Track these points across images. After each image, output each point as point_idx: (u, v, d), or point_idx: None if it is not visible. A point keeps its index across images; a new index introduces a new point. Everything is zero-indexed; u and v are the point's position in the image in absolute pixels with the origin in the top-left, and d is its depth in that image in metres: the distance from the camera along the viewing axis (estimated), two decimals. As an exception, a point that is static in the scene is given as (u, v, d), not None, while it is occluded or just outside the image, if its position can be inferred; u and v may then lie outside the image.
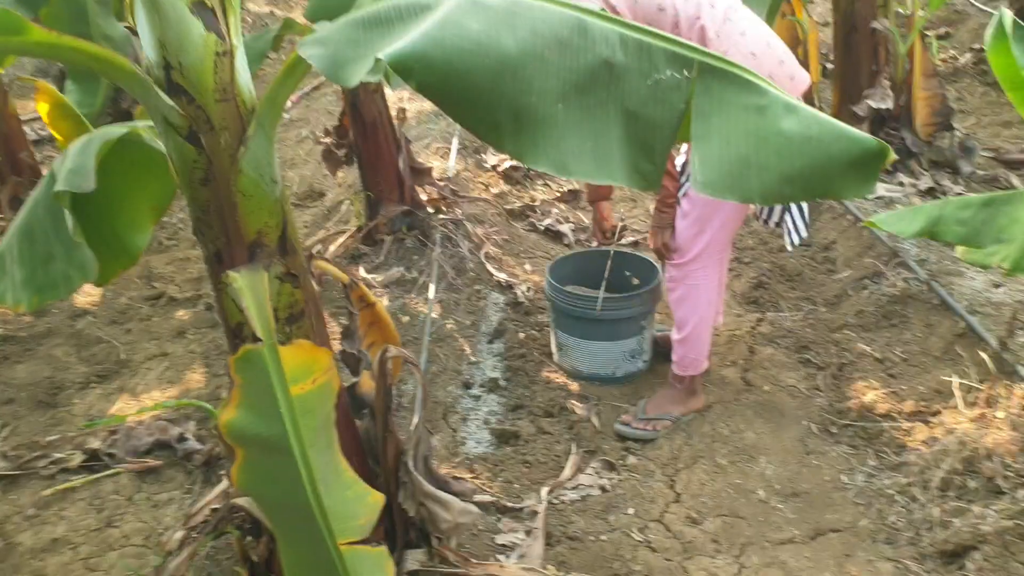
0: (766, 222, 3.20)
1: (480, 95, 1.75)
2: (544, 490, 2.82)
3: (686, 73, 1.85)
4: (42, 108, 4.08)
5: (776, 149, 1.81)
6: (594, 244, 4.33)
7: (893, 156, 1.83)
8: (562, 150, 1.81)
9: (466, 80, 1.73)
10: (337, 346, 2.42)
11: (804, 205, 3.08)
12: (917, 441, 2.87)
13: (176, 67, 1.83)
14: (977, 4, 6.88)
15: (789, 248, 3.06)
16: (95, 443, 3.29)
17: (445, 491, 2.33)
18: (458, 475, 2.90)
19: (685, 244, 2.97)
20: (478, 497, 2.77)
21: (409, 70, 1.68)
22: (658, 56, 1.85)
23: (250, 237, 1.99)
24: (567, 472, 2.92)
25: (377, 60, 1.66)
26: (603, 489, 2.88)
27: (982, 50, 6.02)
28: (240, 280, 1.93)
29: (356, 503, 2.06)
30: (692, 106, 1.85)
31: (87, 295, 4.45)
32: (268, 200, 1.99)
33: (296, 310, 2.07)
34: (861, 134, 1.82)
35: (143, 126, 2.24)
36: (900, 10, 4.69)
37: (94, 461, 3.25)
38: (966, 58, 6.01)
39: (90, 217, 2.51)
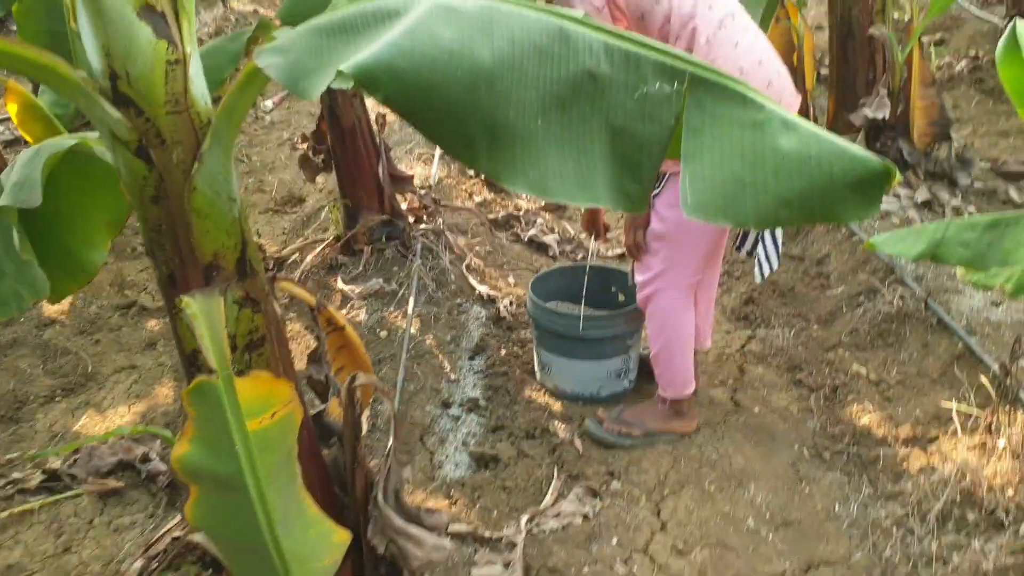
0: (738, 249, 3.04)
1: (452, 109, 1.61)
2: (523, 519, 2.68)
3: (676, 86, 1.72)
4: (11, 108, 3.93)
5: (773, 169, 1.68)
6: (579, 257, 4.20)
7: (899, 178, 1.70)
8: (541, 169, 1.68)
9: (437, 93, 1.60)
10: (305, 369, 2.28)
11: (779, 235, 2.93)
12: (914, 469, 2.75)
13: (123, 76, 1.69)
14: (973, 10, 6.78)
15: (758, 280, 2.91)
16: (56, 462, 3.15)
17: (417, 525, 2.19)
18: (434, 502, 2.77)
19: (648, 258, 2.82)
20: (454, 527, 2.63)
21: (374, 82, 1.55)
22: (646, 67, 1.72)
23: (205, 259, 1.85)
24: (548, 499, 2.78)
25: (339, 72, 1.53)
26: (585, 517, 2.74)
27: (978, 57, 5.93)
28: (194, 305, 1.79)
29: (319, 543, 1.92)
30: (683, 122, 1.73)
31: (56, 304, 4.30)
32: (225, 219, 1.85)
33: (256, 337, 1.93)
34: (865, 153, 1.69)
35: (94, 137, 2.10)
36: (897, 16, 4.58)
37: (54, 481, 3.11)
38: (962, 65, 5.91)
39: (41, 233, 2.37)
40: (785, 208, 1.69)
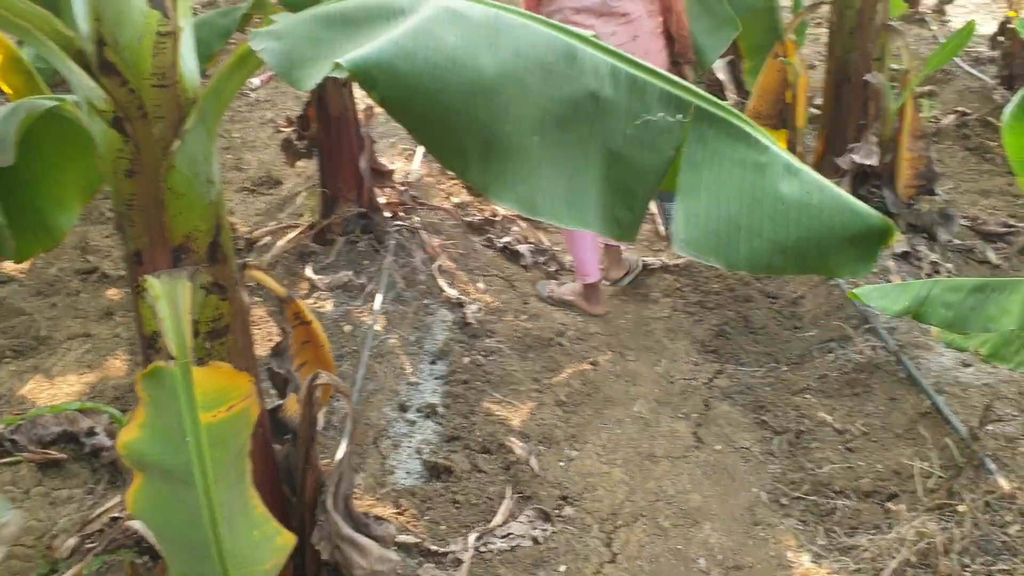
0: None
1: (448, 116, 1.56)
2: (472, 537, 2.63)
3: (680, 117, 1.68)
4: (-11, 64, 3.82)
5: (771, 214, 1.64)
6: (553, 270, 4.22)
7: (898, 236, 1.67)
8: (532, 186, 1.63)
9: (434, 98, 1.54)
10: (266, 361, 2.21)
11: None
12: (871, 525, 2.72)
13: (110, 43, 1.62)
14: (964, 66, 6.82)
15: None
16: (-5, 430, 3.05)
17: (364, 534, 2.13)
18: (382, 509, 2.70)
19: None
20: (401, 537, 2.57)
21: (372, 80, 1.49)
22: (651, 95, 1.67)
23: (176, 240, 1.78)
24: (498, 518, 2.73)
25: (336, 64, 1.47)
26: (535, 540, 2.68)
27: (966, 114, 5.96)
28: (159, 287, 1.71)
29: (263, 545, 1.85)
30: (682, 155, 1.68)
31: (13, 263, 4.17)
32: (201, 202, 1.78)
33: (220, 325, 1.86)
34: (865, 208, 1.66)
35: (73, 100, 2.02)
36: (896, 65, 4.58)
37: (-6, 447, 3.01)
38: (949, 120, 5.93)
39: (11, 191, 2.29)
40: (780, 255, 1.65)
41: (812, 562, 2.65)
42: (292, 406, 2.15)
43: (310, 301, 3.75)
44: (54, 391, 3.38)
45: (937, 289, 2.25)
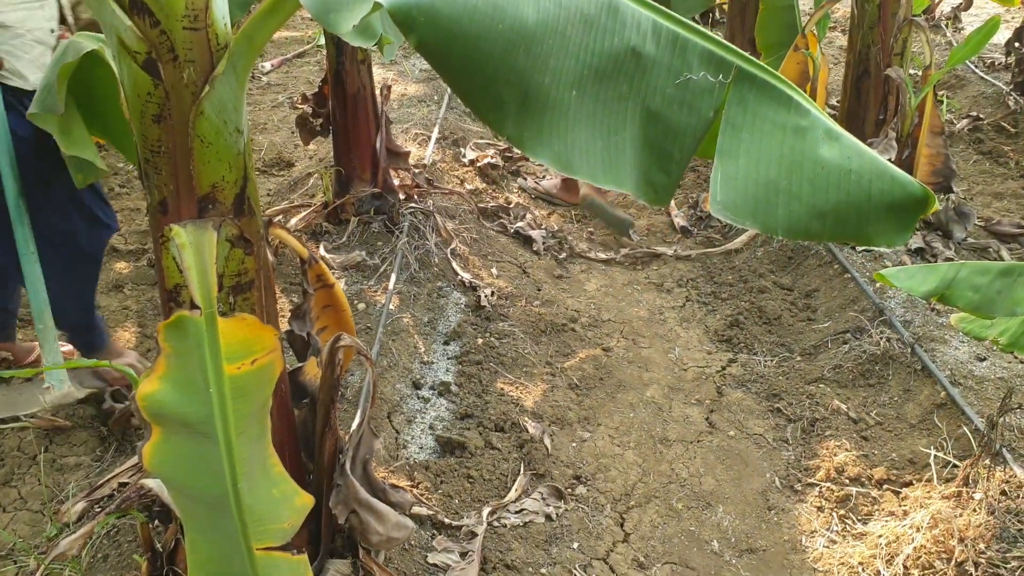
0: None
1: (487, 65, 1.52)
2: (485, 511, 2.60)
3: (721, 78, 1.65)
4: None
5: (811, 178, 1.62)
6: (562, 256, 4.21)
7: (937, 206, 1.64)
8: (568, 143, 1.60)
9: (474, 45, 1.51)
10: (285, 326, 2.18)
11: None
12: (885, 511, 2.70)
13: (143, -19, 1.59)
14: (977, 71, 6.81)
15: None
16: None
17: (381, 500, 2.10)
18: (396, 482, 2.67)
19: None
20: (415, 509, 2.54)
21: (411, 21, 1.46)
22: (693, 53, 1.65)
23: (203, 190, 1.75)
24: (512, 494, 2.70)
25: (376, 3, 1.44)
26: (548, 517, 2.66)
27: (980, 118, 5.94)
28: (184, 236, 1.69)
29: (281, 504, 1.82)
30: (722, 116, 1.66)
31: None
32: (229, 151, 1.75)
33: (245, 279, 1.83)
34: (905, 176, 1.63)
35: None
36: (915, 63, 4.56)
37: (0, 412, 2.98)
38: (962, 124, 5.91)
39: (67, 129, 2.39)
40: (818, 220, 1.62)
41: (826, 547, 2.62)
42: (312, 370, 2.13)
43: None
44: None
45: (964, 271, 2.22)
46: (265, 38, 1.75)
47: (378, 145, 4.02)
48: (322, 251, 3.85)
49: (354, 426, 2.08)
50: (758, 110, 1.66)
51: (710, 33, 1.65)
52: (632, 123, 1.65)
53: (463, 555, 2.42)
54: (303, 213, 4.17)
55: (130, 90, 1.69)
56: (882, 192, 1.63)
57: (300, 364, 2.13)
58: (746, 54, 1.68)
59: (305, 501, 1.87)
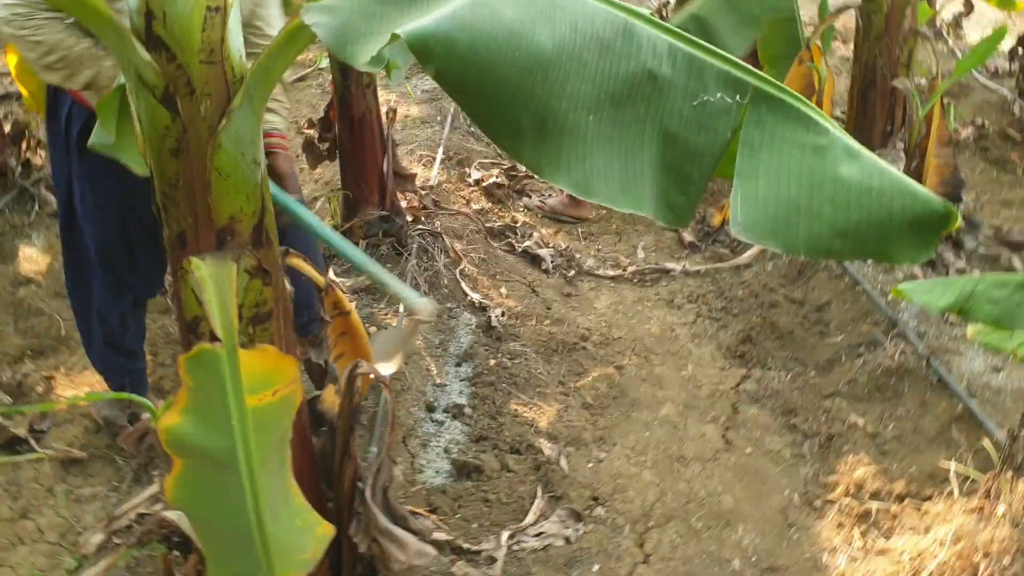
0: None
1: (504, 92, 1.53)
2: (504, 535, 2.58)
3: (738, 98, 1.65)
4: (10, 61, 3.81)
5: (831, 197, 1.61)
6: (571, 274, 4.19)
7: (959, 222, 1.64)
8: (587, 167, 1.60)
9: (492, 73, 1.51)
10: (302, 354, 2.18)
11: None
12: (907, 527, 2.68)
13: (159, 17, 1.59)
14: (981, 79, 6.81)
15: None
16: (20, 425, 3.01)
17: (402, 527, 2.09)
18: (414, 508, 2.65)
19: None
20: (434, 534, 2.53)
21: (429, 52, 1.46)
22: (709, 75, 1.65)
23: (221, 222, 1.75)
24: (530, 517, 2.69)
25: (394, 35, 1.44)
26: (567, 540, 2.65)
27: (984, 126, 5.93)
28: (204, 269, 1.69)
29: (304, 533, 1.82)
30: (740, 137, 1.65)
31: (33, 262, 4.15)
32: (247, 182, 1.75)
33: (264, 310, 1.83)
34: (926, 192, 1.63)
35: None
36: (922, 73, 4.56)
37: (17, 443, 2.97)
38: (968, 132, 5.91)
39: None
40: (839, 239, 1.62)
41: (848, 564, 2.61)
42: (329, 399, 2.12)
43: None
44: (75, 391, 3.33)
45: (983, 285, 2.21)
46: (281, 70, 1.76)
47: (385, 168, 4.02)
48: (331, 275, 3.84)
49: (372, 453, 2.08)
50: (776, 130, 1.66)
51: (726, 54, 1.65)
52: (650, 146, 1.65)
53: (484, 581, 2.41)
54: (312, 237, 4.16)
55: (147, 125, 1.70)
56: (903, 209, 1.62)
57: (318, 392, 2.12)
58: (762, 74, 1.67)
59: (326, 530, 1.86)
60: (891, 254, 1.65)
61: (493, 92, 1.52)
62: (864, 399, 3.29)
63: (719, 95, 1.65)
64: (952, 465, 2.80)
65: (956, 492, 2.71)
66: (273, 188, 2.43)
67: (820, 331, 3.80)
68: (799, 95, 1.67)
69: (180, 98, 1.66)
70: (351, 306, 2.12)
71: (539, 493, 2.80)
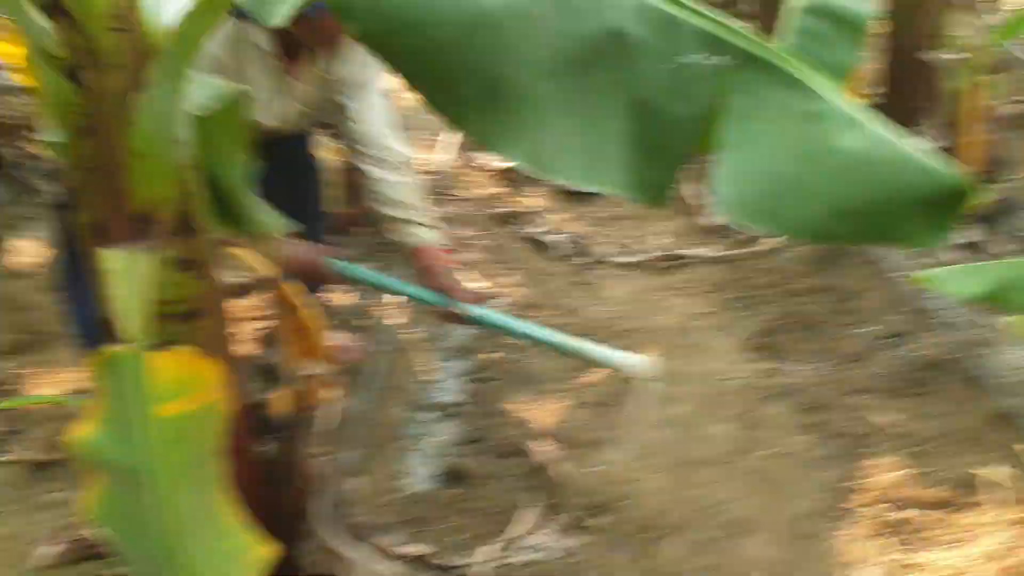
0: None
1: (443, 55, 1.31)
2: (485, 549, 2.38)
3: (720, 60, 1.42)
4: (8, 51, 3.65)
5: (830, 171, 1.37)
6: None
7: (978, 199, 1.39)
8: (542, 140, 1.37)
9: (427, 35, 1.30)
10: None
11: None
12: (944, 539, 2.43)
13: (59, -20, 1.40)
14: (1019, 54, 6.45)
15: None
16: (-1, 425, 2.88)
17: (358, 547, 1.89)
18: (390, 517, 2.46)
19: None
20: (408, 548, 2.33)
21: (350, 8, 1.25)
22: (687, 34, 1.41)
23: (139, 209, 1.56)
24: (520, 528, 2.47)
25: (309, -11, 1.23)
26: (564, 553, 2.43)
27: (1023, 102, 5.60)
28: (115, 261, 1.49)
29: (232, 560, 1.61)
30: (724, 105, 1.42)
31: (27, 256, 4.03)
32: (166, 165, 1.56)
33: (193, 306, 1.63)
34: (940, 165, 1.38)
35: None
36: (959, 48, 4.27)
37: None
38: (1006, 108, 5.58)
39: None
40: (839, 220, 1.38)
41: (876, 580, 2.36)
42: (280, 403, 1.92)
43: (326, 294, 3.53)
44: (59, 390, 3.19)
45: (1020, 270, 1.95)
46: (201, 35, 1.55)
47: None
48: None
49: (325, 462, 1.88)
50: (767, 96, 1.42)
51: (707, 12, 1.42)
52: (617, 116, 1.42)
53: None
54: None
55: (54, 99, 1.51)
56: (913, 185, 1.38)
57: (266, 396, 1.93)
58: (750, 35, 1.44)
59: (264, 554, 1.66)
60: (900, 236, 1.41)
61: (429, 56, 1.32)
62: (895, 395, 3.04)
63: (699, 57, 1.41)
64: (994, 470, 2.54)
65: (999, 500, 2.46)
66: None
67: (848, 321, 3.53)
68: (791, 57, 1.43)
69: (86, 71, 1.46)
70: (299, 302, 1.92)
71: (532, 501, 2.59)
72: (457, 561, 2.35)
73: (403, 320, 3.42)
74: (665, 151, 1.43)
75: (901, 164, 1.39)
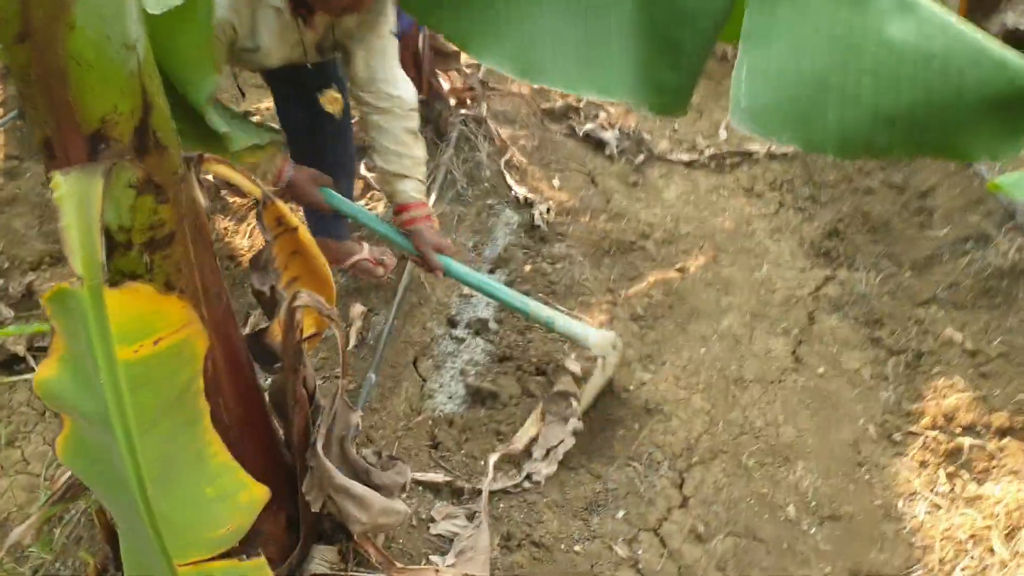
0: None
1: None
2: (492, 458, 2.25)
3: (742, -68, 1.18)
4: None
5: (874, 68, 1.12)
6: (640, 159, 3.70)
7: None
8: (528, 36, 1.16)
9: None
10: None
11: None
12: (1007, 470, 2.23)
13: None
14: None
15: None
16: (19, 343, 2.82)
17: (364, 482, 1.76)
18: (413, 440, 2.34)
19: None
20: (428, 476, 2.21)
21: None
22: (701, -98, 1.17)
23: (91, 125, 1.38)
24: (540, 451, 2.32)
25: None
26: (591, 478, 2.29)
27: None
28: (65, 185, 1.34)
29: (217, 505, 1.50)
30: (746, -12, 1.19)
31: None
32: (118, 73, 1.37)
33: (161, 233, 1.47)
34: (1014, 57, 1.13)
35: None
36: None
37: (15, 362, 2.78)
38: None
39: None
40: (885, 129, 1.14)
41: (928, 512, 2.18)
42: (277, 331, 1.78)
43: (362, 201, 3.36)
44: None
45: (1113, 176, 1.68)
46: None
47: (421, 44, 3.57)
48: (362, 169, 3.48)
49: (370, 381, 1.74)
50: (798, -25, 1.17)
51: None
52: (621, 9, 1.19)
53: (469, 517, 2.09)
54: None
55: (-13, 3, 1.34)
56: (980, 83, 1.13)
57: (267, 324, 1.78)
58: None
59: (255, 495, 1.55)
60: (961, 147, 1.16)
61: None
62: (966, 307, 2.78)
63: (717, -72, 1.17)
64: (1067, 393, 2.30)
65: (1071, 427, 2.23)
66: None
67: (921, 222, 3.25)
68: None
69: (16, -34, 1.28)
70: (297, 221, 1.75)
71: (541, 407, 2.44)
72: (474, 486, 2.22)
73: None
74: (681, 46, 1.21)
75: (967, 57, 1.14)
